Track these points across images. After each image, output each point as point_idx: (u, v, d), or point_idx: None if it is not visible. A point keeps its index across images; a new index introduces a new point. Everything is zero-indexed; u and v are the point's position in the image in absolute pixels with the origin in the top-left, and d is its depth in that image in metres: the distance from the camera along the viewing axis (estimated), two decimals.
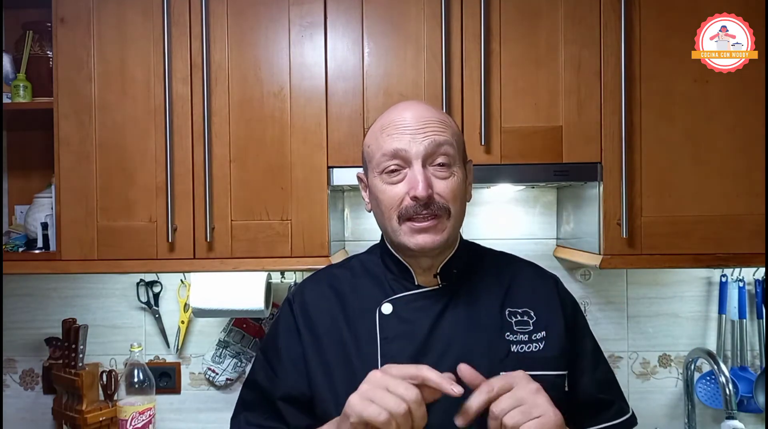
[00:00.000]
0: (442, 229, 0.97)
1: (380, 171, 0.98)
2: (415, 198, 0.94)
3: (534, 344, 1.00)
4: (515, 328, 1.01)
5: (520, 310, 1.03)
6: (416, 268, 1.04)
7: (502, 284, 1.06)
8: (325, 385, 0.99)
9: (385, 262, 1.07)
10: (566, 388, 1.01)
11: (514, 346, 0.99)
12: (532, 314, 1.02)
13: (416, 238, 0.96)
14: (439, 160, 0.97)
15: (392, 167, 0.97)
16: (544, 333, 1.01)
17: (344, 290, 1.07)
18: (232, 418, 1.08)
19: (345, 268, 1.12)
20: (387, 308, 1.02)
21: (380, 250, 1.10)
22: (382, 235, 1.09)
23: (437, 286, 1.03)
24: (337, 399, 0.97)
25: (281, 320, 1.09)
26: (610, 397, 1.08)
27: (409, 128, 0.97)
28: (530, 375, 0.97)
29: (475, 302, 1.02)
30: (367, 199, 1.07)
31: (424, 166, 0.96)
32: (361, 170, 1.09)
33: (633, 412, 1.10)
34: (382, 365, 0.97)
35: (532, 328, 1.01)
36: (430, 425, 0.93)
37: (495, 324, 1.01)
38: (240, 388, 1.11)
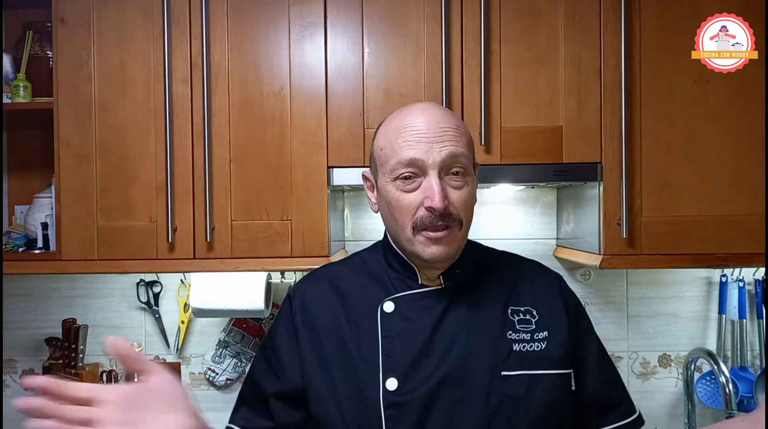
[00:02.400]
0: (453, 240, 0.97)
1: (394, 177, 0.97)
2: (430, 209, 0.94)
3: (536, 343, 1.00)
4: (517, 327, 1.00)
5: (522, 309, 1.02)
6: (421, 269, 1.04)
7: (505, 283, 1.06)
8: (323, 384, 0.99)
9: (388, 261, 1.07)
10: (573, 387, 1.01)
11: (516, 345, 0.99)
12: (535, 313, 1.02)
13: (431, 248, 0.97)
14: (454, 169, 0.97)
15: (407, 174, 0.97)
16: (546, 332, 1.01)
17: (345, 288, 1.07)
18: (233, 412, 1.09)
19: (346, 266, 1.12)
20: (389, 306, 1.01)
21: (383, 247, 1.10)
22: (385, 233, 1.09)
23: (440, 286, 1.03)
24: (337, 398, 0.97)
25: (280, 317, 1.09)
26: (618, 396, 1.08)
27: (425, 136, 0.96)
28: (532, 374, 0.97)
29: (478, 302, 1.02)
30: (373, 200, 1.06)
31: (439, 176, 0.95)
32: (366, 169, 1.08)
33: (639, 412, 1.09)
34: (383, 364, 0.97)
35: (534, 327, 1.01)
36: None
37: (497, 323, 1.00)
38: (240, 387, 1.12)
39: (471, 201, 0.99)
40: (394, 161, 0.97)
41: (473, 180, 1.00)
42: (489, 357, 0.97)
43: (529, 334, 1.00)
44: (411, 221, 0.97)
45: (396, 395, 0.94)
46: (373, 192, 1.07)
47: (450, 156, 0.95)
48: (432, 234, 0.96)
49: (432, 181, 0.95)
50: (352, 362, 0.99)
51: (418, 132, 0.96)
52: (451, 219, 0.96)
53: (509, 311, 1.02)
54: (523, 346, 0.99)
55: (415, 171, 0.96)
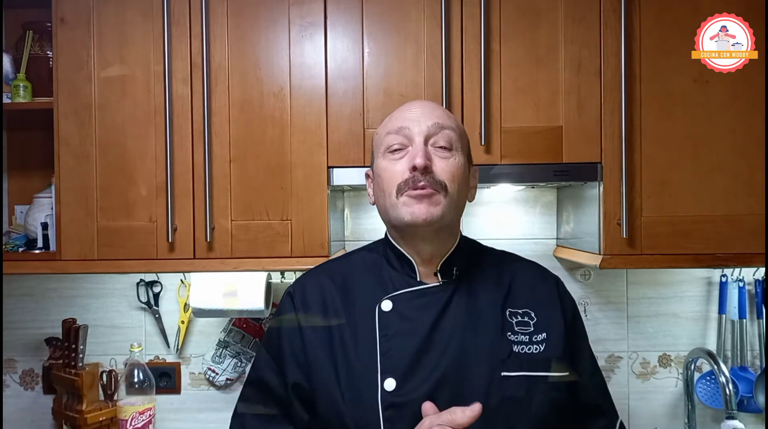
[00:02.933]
0: (437, 203, 0.98)
1: (384, 150, 1.02)
2: (413, 168, 0.97)
3: (535, 345, 1.00)
4: (516, 329, 1.01)
5: (520, 311, 1.03)
6: (417, 259, 1.04)
7: (503, 284, 1.06)
8: (325, 381, 0.99)
9: (387, 257, 1.08)
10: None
11: (516, 346, 0.99)
12: (533, 315, 1.02)
13: (412, 208, 0.97)
14: (441, 142, 1.00)
15: (396, 146, 1.00)
16: (544, 334, 1.01)
17: (344, 286, 1.07)
18: (233, 417, 1.08)
19: (345, 263, 1.12)
20: (387, 305, 1.01)
21: (383, 244, 1.10)
22: (386, 232, 1.09)
23: (438, 283, 1.03)
24: (336, 397, 0.97)
25: (282, 315, 1.09)
26: (605, 406, 1.09)
27: (415, 113, 1.02)
28: (533, 376, 0.97)
29: (477, 301, 1.02)
30: (371, 192, 1.09)
31: (426, 144, 0.99)
32: (368, 169, 1.11)
33: (621, 421, 1.10)
34: (381, 364, 0.97)
35: (532, 329, 1.01)
36: None
37: (497, 324, 1.00)
38: (241, 386, 1.11)
39: (458, 173, 1.00)
40: (384, 134, 1.02)
41: (463, 158, 1.03)
42: (488, 357, 0.97)
43: (527, 336, 1.00)
44: (396, 186, 0.99)
45: (394, 396, 0.94)
46: (371, 187, 1.09)
47: (436, 126, 1.00)
48: (413, 192, 0.97)
49: (417, 145, 0.99)
50: (351, 361, 0.99)
51: (409, 112, 1.03)
52: (434, 181, 0.97)
53: (507, 313, 1.02)
54: (522, 348, 0.99)
55: (404, 141, 1.00)
